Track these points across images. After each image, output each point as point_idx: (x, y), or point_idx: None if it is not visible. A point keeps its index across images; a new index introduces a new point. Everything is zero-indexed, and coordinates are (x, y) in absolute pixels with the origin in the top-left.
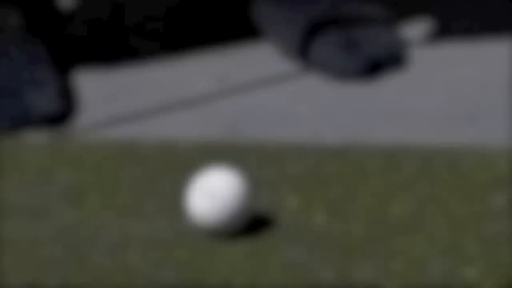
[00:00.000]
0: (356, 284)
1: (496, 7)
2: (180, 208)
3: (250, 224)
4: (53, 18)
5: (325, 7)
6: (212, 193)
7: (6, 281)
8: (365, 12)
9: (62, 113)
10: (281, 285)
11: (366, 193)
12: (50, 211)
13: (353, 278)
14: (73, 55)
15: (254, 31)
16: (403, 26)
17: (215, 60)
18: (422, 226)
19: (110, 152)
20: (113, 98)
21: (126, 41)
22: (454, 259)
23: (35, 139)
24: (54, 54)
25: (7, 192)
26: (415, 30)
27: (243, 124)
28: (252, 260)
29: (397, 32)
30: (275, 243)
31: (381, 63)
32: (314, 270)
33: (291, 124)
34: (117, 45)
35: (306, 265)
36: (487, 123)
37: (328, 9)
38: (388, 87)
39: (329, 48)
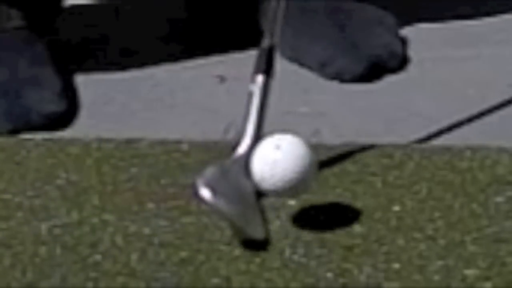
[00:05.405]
0: (356, 284)
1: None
2: (180, 208)
3: None
4: (55, 19)
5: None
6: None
7: (6, 281)
8: (365, 11)
9: (62, 113)
10: (281, 285)
11: (366, 193)
12: (50, 211)
13: (353, 278)
14: (73, 55)
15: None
16: (403, 26)
17: (215, 60)
18: (422, 226)
19: (110, 152)
20: (113, 98)
21: (127, 42)
22: (454, 259)
23: (35, 139)
24: (54, 54)
25: (7, 192)
26: (414, 30)
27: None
28: (252, 260)
29: (397, 32)
30: (275, 243)
31: (381, 63)
32: (314, 270)
33: (291, 124)
34: (118, 46)
35: (306, 265)
36: (487, 123)
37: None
38: (388, 87)
39: (329, 48)
